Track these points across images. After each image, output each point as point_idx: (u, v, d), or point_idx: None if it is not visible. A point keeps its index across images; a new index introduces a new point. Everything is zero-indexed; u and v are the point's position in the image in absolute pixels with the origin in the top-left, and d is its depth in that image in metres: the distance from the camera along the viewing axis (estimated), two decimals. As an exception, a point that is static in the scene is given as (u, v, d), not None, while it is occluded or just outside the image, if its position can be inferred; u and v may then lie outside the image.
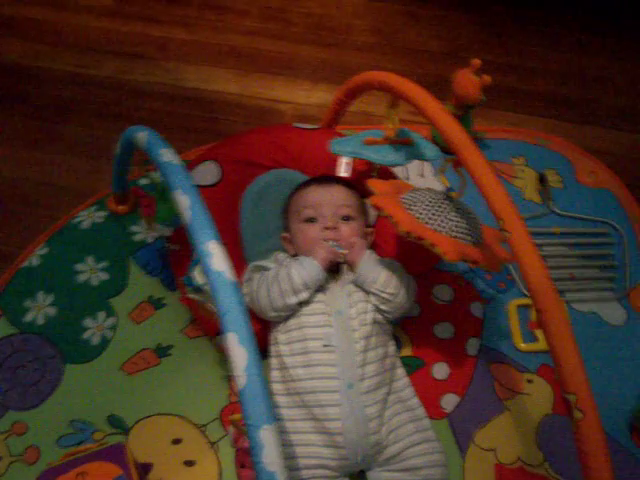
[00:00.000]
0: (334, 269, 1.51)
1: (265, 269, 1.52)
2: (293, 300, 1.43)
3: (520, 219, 1.15)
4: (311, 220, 1.54)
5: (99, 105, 2.16)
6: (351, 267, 1.50)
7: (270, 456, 0.90)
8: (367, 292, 1.48)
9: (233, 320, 0.98)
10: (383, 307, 1.47)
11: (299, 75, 2.29)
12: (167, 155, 1.23)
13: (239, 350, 0.95)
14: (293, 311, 1.46)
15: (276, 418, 0.93)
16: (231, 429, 1.24)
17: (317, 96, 2.24)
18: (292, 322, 1.45)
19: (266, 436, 0.90)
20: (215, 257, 1.04)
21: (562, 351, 1.07)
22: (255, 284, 1.49)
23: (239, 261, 1.58)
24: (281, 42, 2.37)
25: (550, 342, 1.09)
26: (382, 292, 1.46)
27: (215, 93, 2.21)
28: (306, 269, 1.44)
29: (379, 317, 1.48)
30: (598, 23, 2.51)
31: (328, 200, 1.55)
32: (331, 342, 1.39)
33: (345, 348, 1.39)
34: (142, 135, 1.33)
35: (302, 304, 1.45)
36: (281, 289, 1.43)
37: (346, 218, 1.54)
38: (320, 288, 1.47)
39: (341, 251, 1.48)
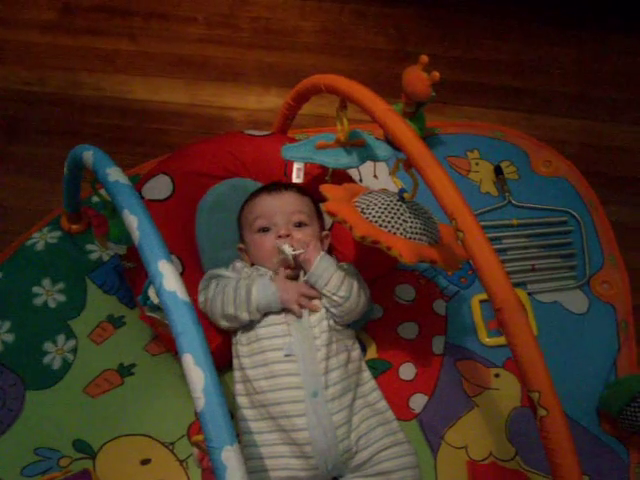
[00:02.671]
0: (294, 277, 1.49)
1: (222, 277, 1.50)
2: (245, 316, 1.42)
3: (473, 218, 1.15)
4: (264, 230, 1.52)
5: (47, 122, 2.11)
6: (305, 267, 1.47)
7: (234, 477, 0.89)
8: (320, 295, 1.45)
9: (188, 341, 0.97)
10: (333, 310, 1.44)
11: (249, 81, 2.27)
12: (114, 174, 1.21)
13: (196, 371, 0.94)
14: (246, 324, 1.44)
15: (239, 436, 0.93)
16: (195, 450, 1.23)
17: (269, 101, 2.22)
18: (252, 333, 1.43)
19: (228, 457, 0.89)
20: (166, 277, 1.02)
21: (523, 349, 1.07)
22: (212, 290, 1.46)
23: (197, 274, 1.56)
24: (229, 48, 2.34)
25: (510, 341, 1.09)
26: (334, 295, 1.43)
27: (164, 104, 2.17)
28: (268, 298, 1.41)
29: (333, 323, 1.46)
30: (544, 12, 2.52)
31: (280, 208, 1.53)
32: (292, 351, 1.38)
33: (307, 356, 1.38)
34: (88, 154, 1.31)
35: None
36: (236, 301, 1.41)
37: (299, 224, 1.52)
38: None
39: (298, 252, 1.45)
